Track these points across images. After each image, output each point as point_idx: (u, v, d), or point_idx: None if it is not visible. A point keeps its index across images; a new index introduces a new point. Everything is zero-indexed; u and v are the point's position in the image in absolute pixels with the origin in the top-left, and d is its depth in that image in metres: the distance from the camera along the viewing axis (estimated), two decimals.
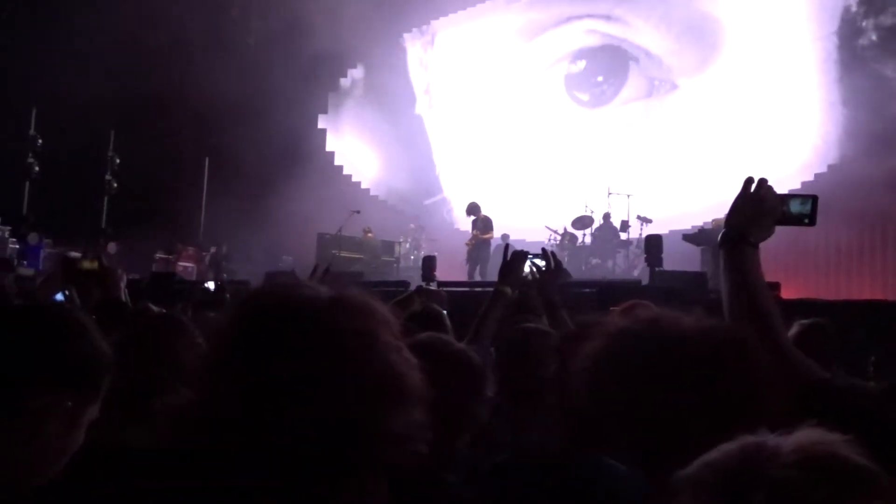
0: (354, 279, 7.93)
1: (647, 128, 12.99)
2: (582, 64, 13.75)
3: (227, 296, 3.86)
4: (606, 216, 11.75)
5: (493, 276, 9.94)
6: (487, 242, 11.14)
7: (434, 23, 14.99)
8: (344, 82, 15.88)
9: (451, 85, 14.75)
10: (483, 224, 11.29)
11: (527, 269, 2.64)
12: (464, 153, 14.44)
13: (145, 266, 11.63)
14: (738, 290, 1.32)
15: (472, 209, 11.56)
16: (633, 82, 13.15)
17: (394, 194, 15.04)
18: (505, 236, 11.80)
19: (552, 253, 2.63)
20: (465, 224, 11.72)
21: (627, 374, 1.01)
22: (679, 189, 12.30)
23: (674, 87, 12.88)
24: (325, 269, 2.56)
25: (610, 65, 13.42)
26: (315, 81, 14.29)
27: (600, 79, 13.64)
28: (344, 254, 12.04)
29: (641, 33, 12.88)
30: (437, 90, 15.04)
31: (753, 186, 1.40)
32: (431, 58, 15.10)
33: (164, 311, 2.28)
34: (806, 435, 0.70)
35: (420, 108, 15.32)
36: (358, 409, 0.89)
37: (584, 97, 13.74)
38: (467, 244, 11.21)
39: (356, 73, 15.82)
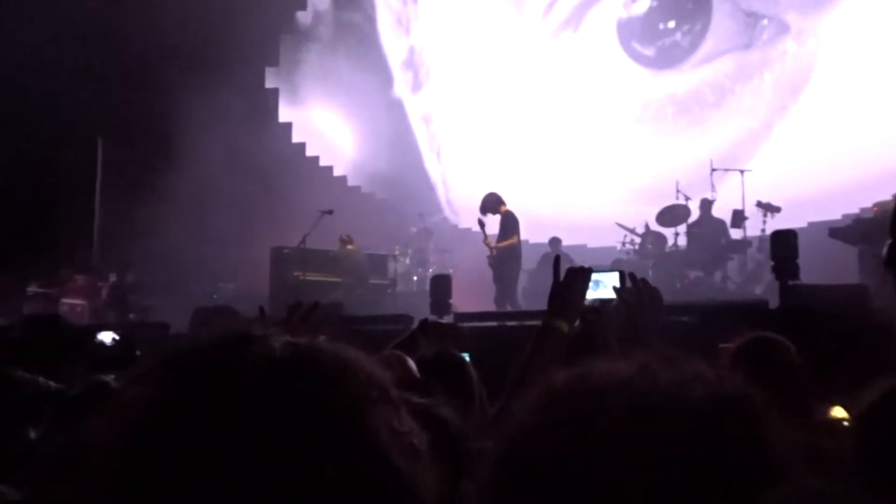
0: (331, 314, 7.75)
1: (751, 85, 13.35)
2: (644, 4, 13.96)
3: (138, 352, 3.95)
4: (708, 204, 11.83)
5: (535, 301, 9.91)
6: (513, 252, 11.18)
7: None
8: (302, 18, 16.14)
9: (448, 51, 15.27)
10: (504, 225, 11.22)
11: (591, 294, 2.69)
12: (472, 141, 14.87)
13: (13, 306, 11.93)
14: None
15: (489, 203, 11.49)
16: (722, 25, 13.31)
17: (383, 184, 15.32)
18: (554, 241, 11.88)
19: (643, 280, 2.69)
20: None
21: (562, 460, 0.97)
22: (816, 160, 12.51)
23: (784, 28, 13.08)
24: (309, 308, 2.60)
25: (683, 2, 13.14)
26: (260, 19, 14.43)
27: (672, 24, 13.94)
28: (312, 276, 12.14)
29: None
30: (427, 60, 15.50)
31: None
32: (416, 16, 15.46)
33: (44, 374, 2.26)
34: None
35: (400, 88, 15.73)
36: None
37: (649, 52, 14.14)
38: (489, 258, 11.32)
39: (320, 3, 16.11)
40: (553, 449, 0.96)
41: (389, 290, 12.94)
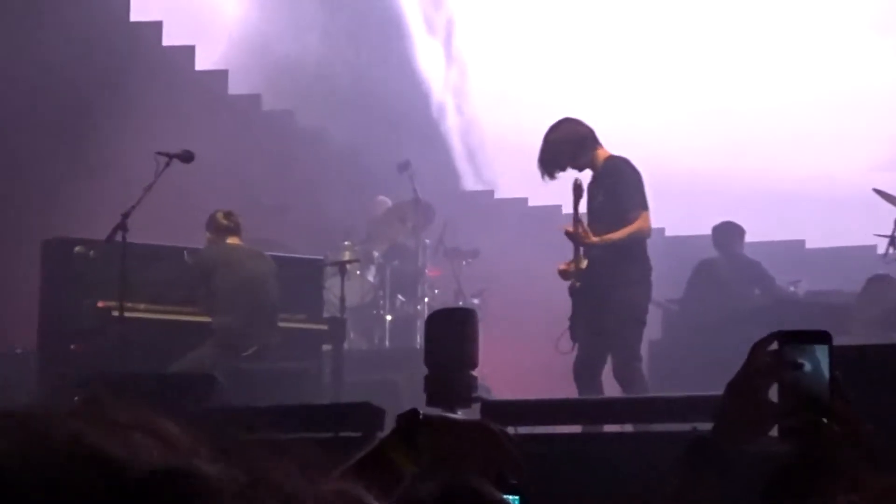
0: (191, 399, 6.44)
1: None
2: None
3: None
4: None
5: (674, 373, 8.15)
6: (630, 255, 8.48)
7: None
8: None
9: None
10: (612, 189, 8.61)
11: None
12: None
13: None
14: None
15: (567, 145, 8.47)
16: None
17: (312, 97, 11.27)
18: (726, 234, 8.43)
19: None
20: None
21: None
22: None
23: None
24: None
25: None
26: None
27: None
28: (141, 310, 8.45)
29: None
30: None
31: None
32: None
33: None
34: None
35: None
36: None
37: None
38: (564, 271, 8.95)
39: None
40: None
41: (328, 347, 9.24)
